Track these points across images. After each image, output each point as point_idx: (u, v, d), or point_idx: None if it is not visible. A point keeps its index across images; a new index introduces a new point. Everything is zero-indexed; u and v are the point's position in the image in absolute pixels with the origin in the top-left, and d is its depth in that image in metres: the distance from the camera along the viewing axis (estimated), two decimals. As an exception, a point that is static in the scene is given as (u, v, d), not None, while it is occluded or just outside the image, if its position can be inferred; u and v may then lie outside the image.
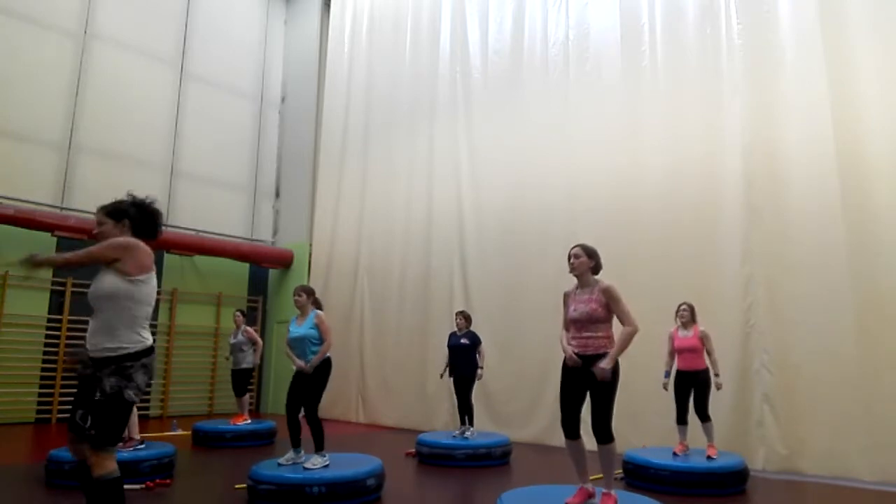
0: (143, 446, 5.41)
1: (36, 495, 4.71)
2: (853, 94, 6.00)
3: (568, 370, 3.90)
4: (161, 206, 3.32)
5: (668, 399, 5.74)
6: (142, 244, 3.06)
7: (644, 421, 6.56)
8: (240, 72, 12.33)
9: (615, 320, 3.90)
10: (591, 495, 3.77)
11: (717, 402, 6.16)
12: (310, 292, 5.30)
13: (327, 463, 4.74)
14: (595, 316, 3.84)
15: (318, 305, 5.28)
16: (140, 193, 3.25)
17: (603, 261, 4.13)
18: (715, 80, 6.95)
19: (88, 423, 2.93)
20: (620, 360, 3.81)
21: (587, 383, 3.81)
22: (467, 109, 9.51)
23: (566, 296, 4.07)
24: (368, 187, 10.84)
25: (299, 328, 5.13)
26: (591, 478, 3.87)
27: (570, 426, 3.84)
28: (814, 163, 6.12)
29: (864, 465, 5.47)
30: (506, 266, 8.50)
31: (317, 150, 12.07)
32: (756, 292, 6.36)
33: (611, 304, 3.85)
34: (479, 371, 6.83)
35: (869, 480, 5.40)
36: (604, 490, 3.74)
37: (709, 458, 5.28)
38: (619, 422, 6.52)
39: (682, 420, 5.64)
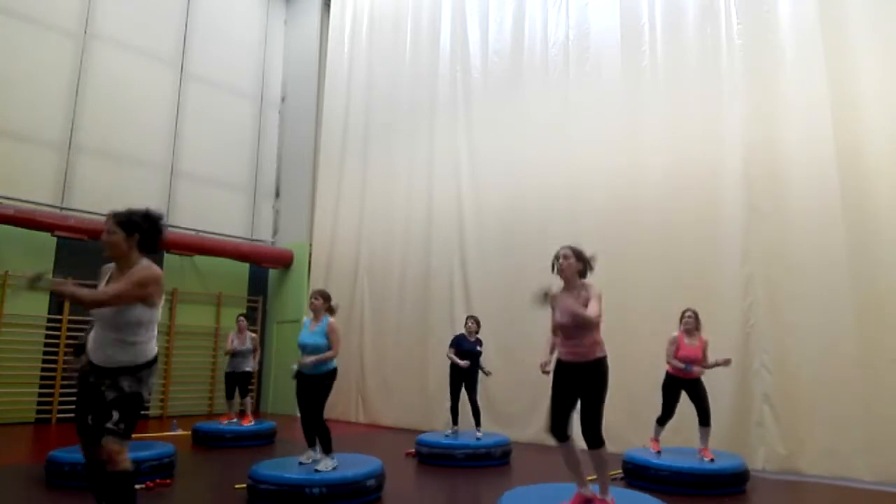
0: None
1: (36, 495, 4.70)
2: (853, 94, 6.00)
3: (559, 374, 3.84)
4: (162, 209, 3.41)
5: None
6: (160, 272, 3.20)
7: (644, 421, 6.55)
8: (240, 72, 12.33)
9: (602, 325, 3.79)
10: (588, 500, 3.73)
11: (717, 403, 6.15)
12: (327, 297, 5.24)
13: (336, 465, 4.73)
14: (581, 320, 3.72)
15: (331, 311, 5.23)
16: (142, 199, 3.38)
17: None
18: (715, 80, 6.95)
19: (110, 420, 3.03)
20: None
21: (577, 388, 3.75)
22: (467, 109, 9.51)
23: (552, 298, 3.87)
24: (368, 187, 10.83)
25: (311, 334, 5.05)
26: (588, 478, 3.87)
27: (559, 430, 3.76)
28: (814, 163, 6.11)
29: (864, 464, 5.47)
30: (506, 266, 8.50)
31: (317, 150, 12.06)
32: (756, 292, 6.36)
33: (590, 299, 3.71)
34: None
35: (869, 480, 5.40)
36: (598, 496, 3.70)
37: (711, 460, 5.24)
38: (618, 422, 6.60)
39: (663, 421, 5.63)
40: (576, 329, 3.73)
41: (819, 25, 6.26)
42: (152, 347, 3.21)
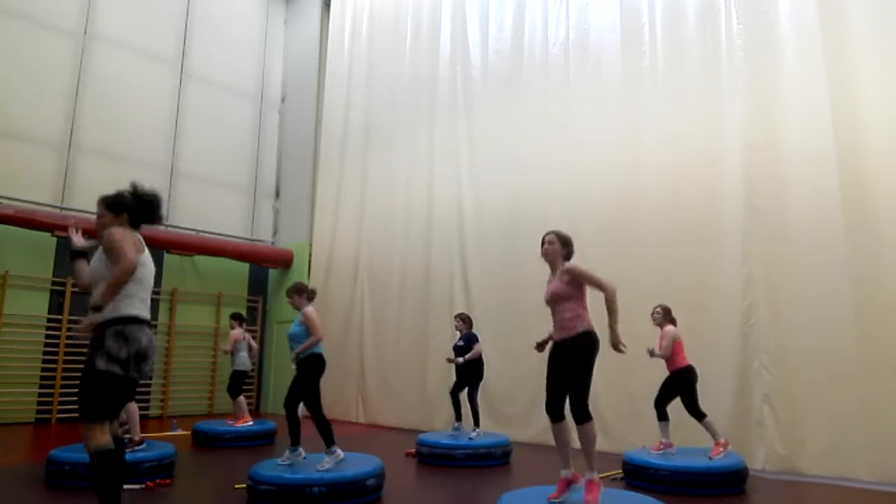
0: (143, 447, 5.41)
1: (36, 495, 4.70)
2: (853, 94, 5.99)
3: (552, 355, 3.99)
4: (159, 196, 3.40)
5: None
6: (125, 234, 3.15)
7: (644, 421, 6.55)
8: (240, 72, 12.33)
9: (587, 297, 3.96)
10: (570, 482, 3.86)
11: (718, 402, 6.17)
12: (300, 290, 5.22)
13: (341, 458, 4.71)
14: (558, 293, 3.91)
15: (310, 299, 5.24)
16: (140, 184, 3.36)
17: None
18: (715, 80, 6.94)
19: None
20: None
21: (565, 365, 3.88)
22: (467, 109, 9.51)
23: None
24: (368, 187, 10.83)
25: (292, 326, 5.17)
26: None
27: (554, 409, 3.92)
28: (814, 162, 6.11)
29: (864, 464, 5.47)
30: (506, 266, 8.50)
31: (317, 150, 12.07)
32: (756, 292, 6.35)
33: (581, 280, 3.91)
34: (458, 359, 6.79)
35: (868, 480, 5.40)
36: (586, 476, 3.77)
37: (710, 458, 5.25)
38: (619, 421, 6.60)
39: (660, 417, 5.74)
40: (555, 304, 3.95)
41: (819, 25, 6.25)
42: (122, 307, 3.07)
